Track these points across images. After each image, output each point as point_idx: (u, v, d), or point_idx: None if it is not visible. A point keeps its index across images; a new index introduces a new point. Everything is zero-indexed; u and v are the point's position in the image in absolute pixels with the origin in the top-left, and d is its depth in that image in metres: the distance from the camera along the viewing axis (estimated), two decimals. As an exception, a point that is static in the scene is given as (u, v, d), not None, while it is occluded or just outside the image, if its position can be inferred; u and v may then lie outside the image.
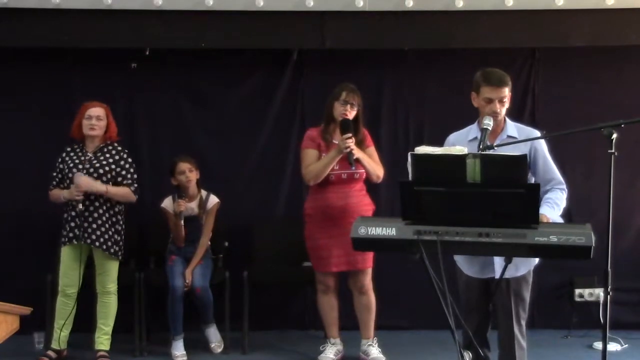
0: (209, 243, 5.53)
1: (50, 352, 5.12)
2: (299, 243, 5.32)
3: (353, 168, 4.86)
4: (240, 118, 5.94)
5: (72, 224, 4.98)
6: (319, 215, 5.00)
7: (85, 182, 4.91)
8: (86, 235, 4.96)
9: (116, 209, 5.08)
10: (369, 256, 5.05)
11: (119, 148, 5.12)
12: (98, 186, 4.94)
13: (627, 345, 5.48)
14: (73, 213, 4.97)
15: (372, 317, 5.16)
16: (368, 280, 5.11)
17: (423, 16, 5.49)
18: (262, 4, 5.35)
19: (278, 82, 5.93)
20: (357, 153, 4.86)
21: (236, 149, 5.94)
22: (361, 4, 5.36)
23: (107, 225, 5.01)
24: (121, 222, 5.12)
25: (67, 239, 5.01)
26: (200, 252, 5.40)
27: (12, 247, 5.69)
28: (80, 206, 4.91)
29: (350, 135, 4.83)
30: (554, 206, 3.68)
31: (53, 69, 5.76)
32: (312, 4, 5.35)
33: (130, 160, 5.11)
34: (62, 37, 5.44)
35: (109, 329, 5.14)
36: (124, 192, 5.03)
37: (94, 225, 4.97)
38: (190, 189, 5.43)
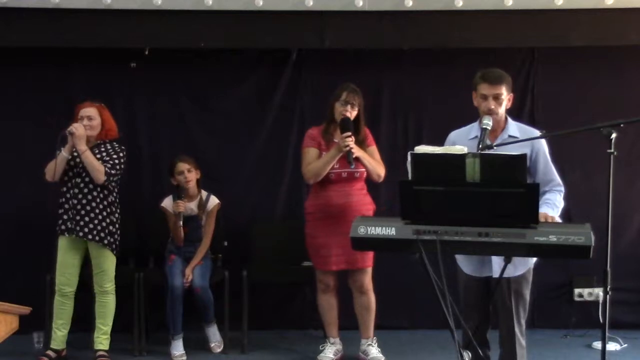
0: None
1: (49, 352, 5.11)
2: (298, 242, 5.32)
3: (352, 167, 4.87)
4: (240, 117, 5.94)
5: (65, 217, 4.99)
6: (320, 214, 5.01)
7: (80, 131, 4.89)
8: (78, 228, 4.95)
9: (110, 199, 5.04)
10: (369, 255, 5.05)
11: (116, 145, 5.10)
12: (82, 143, 4.90)
13: (626, 345, 5.48)
14: (66, 206, 4.96)
15: (371, 316, 5.16)
16: (368, 280, 5.11)
17: (422, 16, 5.48)
18: (261, 3, 5.34)
19: (277, 82, 5.93)
20: (357, 152, 4.86)
21: (235, 148, 5.94)
22: (360, 3, 5.36)
23: (100, 217, 4.98)
24: (116, 214, 5.09)
25: (59, 230, 5.01)
26: (201, 252, 5.40)
27: (12, 247, 5.69)
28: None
29: (349, 134, 4.83)
30: (553, 207, 3.70)
31: (52, 69, 5.76)
32: (311, 3, 5.35)
33: (121, 155, 5.06)
34: (62, 36, 5.44)
35: (107, 328, 5.13)
36: (97, 165, 4.92)
37: (87, 219, 4.95)
38: (190, 189, 5.42)
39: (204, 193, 5.51)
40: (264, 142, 5.95)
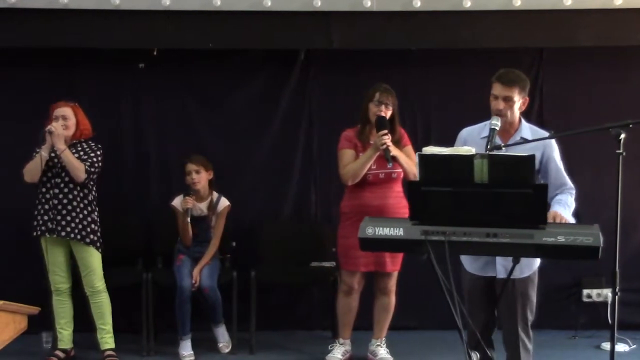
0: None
1: (58, 352, 5.13)
2: (306, 243, 5.32)
3: (390, 165, 4.81)
4: (248, 118, 5.94)
5: (45, 217, 4.97)
6: (355, 215, 4.89)
7: (59, 130, 4.90)
8: (60, 227, 4.95)
9: (89, 198, 5.04)
10: (398, 259, 5.02)
11: (92, 145, 5.10)
12: (61, 142, 4.90)
13: (635, 346, 5.47)
14: (46, 206, 4.96)
15: (388, 318, 5.17)
16: (392, 283, 5.11)
17: (430, 16, 5.47)
18: (269, 4, 5.35)
19: (285, 82, 5.93)
20: (394, 151, 4.80)
21: (243, 149, 5.94)
22: (369, 4, 5.36)
23: (81, 216, 4.99)
24: (96, 212, 5.08)
25: (40, 231, 5.00)
26: (210, 253, 5.40)
27: (19, 248, 5.69)
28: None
29: (386, 131, 4.79)
30: (565, 206, 3.69)
31: (60, 69, 5.77)
32: (319, 4, 5.35)
33: (98, 153, 5.06)
34: (70, 37, 5.45)
35: (109, 327, 5.13)
36: (77, 164, 4.92)
37: (68, 218, 4.95)
38: (201, 190, 5.42)
39: (214, 195, 5.50)
40: (272, 142, 5.95)
